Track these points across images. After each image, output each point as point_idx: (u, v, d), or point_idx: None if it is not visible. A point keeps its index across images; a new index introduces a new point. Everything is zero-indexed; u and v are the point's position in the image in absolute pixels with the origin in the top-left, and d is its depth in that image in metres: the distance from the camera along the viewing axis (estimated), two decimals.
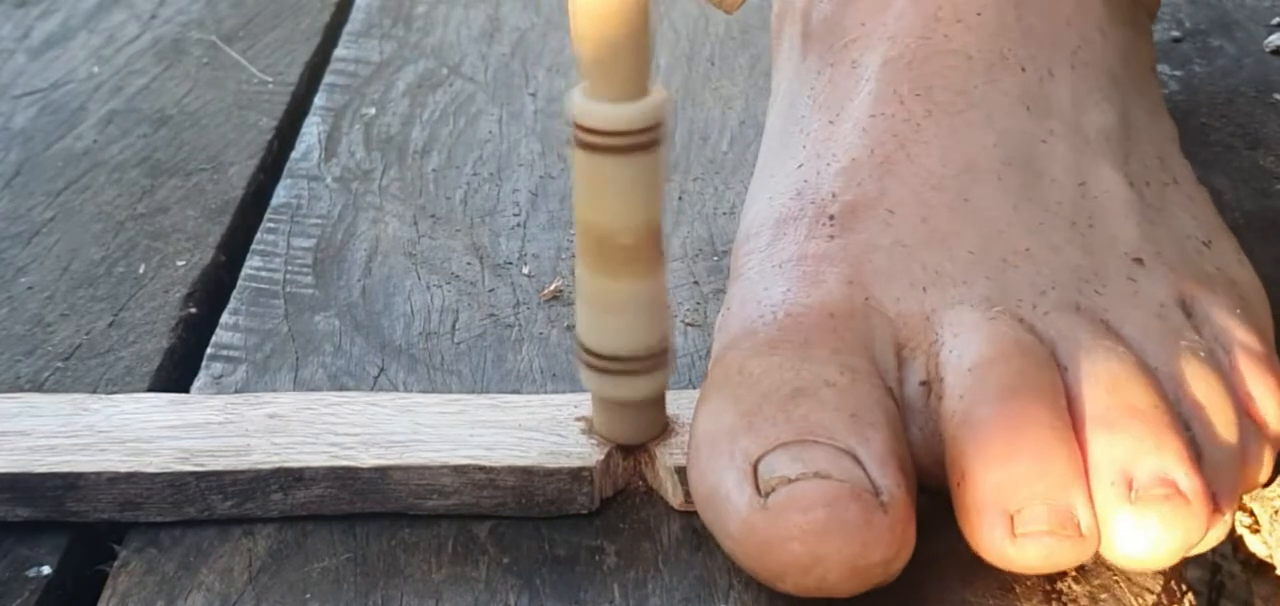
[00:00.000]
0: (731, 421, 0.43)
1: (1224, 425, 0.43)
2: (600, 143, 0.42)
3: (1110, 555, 0.42)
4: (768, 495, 0.41)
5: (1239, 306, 0.46)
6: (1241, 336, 0.45)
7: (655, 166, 0.43)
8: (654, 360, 0.45)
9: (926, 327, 0.45)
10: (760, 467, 0.42)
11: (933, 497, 0.43)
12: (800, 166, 0.49)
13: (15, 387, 0.51)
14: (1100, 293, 0.45)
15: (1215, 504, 0.42)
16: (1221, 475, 0.42)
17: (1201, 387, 0.43)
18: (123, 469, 0.45)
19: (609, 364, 0.44)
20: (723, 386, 0.44)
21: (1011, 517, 0.41)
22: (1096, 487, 0.41)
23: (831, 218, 0.47)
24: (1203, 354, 0.44)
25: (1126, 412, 0.42)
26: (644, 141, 0.42)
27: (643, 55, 0.42)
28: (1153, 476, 0.41)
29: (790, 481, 0.41)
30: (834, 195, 0.48)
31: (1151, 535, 0.41)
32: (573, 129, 0.42)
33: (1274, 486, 0.45)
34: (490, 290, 0.55)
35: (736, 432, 0.42)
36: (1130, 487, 0.41)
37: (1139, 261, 0.46)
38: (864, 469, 0.41)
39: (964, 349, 0.44)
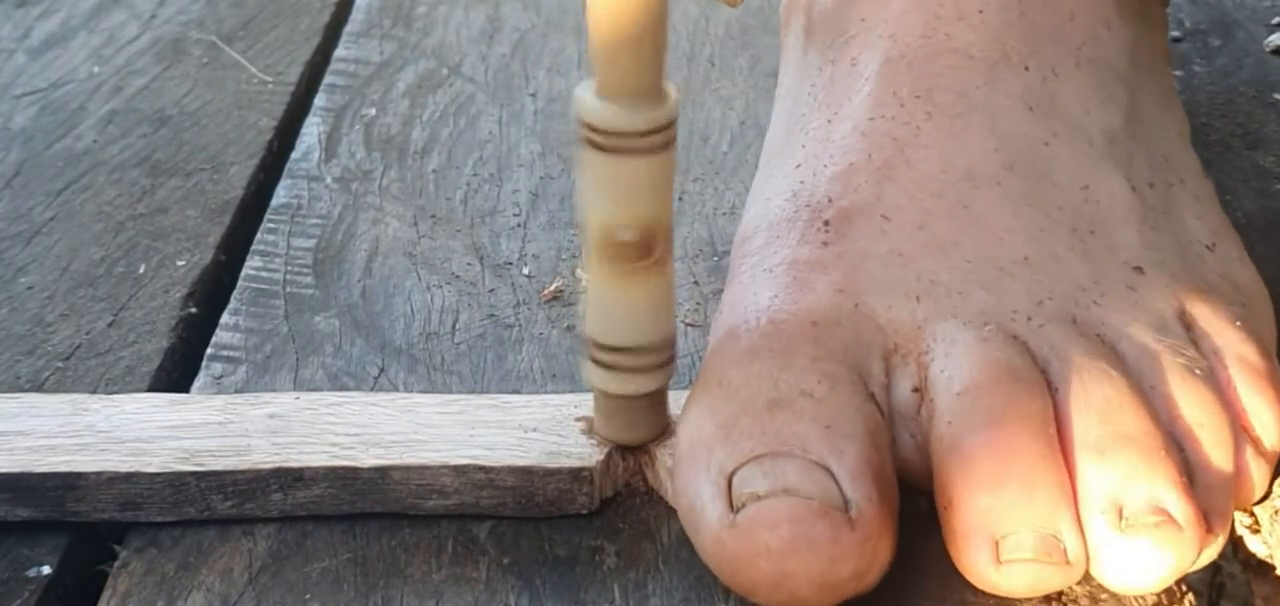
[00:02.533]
0: (709, 433, 0.43)
1: (1218, 445, 0.43)
2: (620, 144, 0.42)
3: (1101, 581, 0.42)
4: (738, 510, 0.41)
5: (1240, 316, 0.46)
6: (1240, 349, 0.45)
7: (670, 164, 0.43)
8: (661, 355, 0.44)
9: (918, 336, 0.44)
10: (734, 481, 0.42)
11: (932, 501, 0.43)
12: (798, 167, 0.49)
13: (15, 388, 0.51)
14: (1098, 304, 0.45)
15: (1208, 525, 0.42)
16: (1214, 496, 0.42)
17: (1196, 408, 0.43)
18: (123, 469, 0.45)
19: (617, 357, 0.44)
20: (703, 396, 0.44)
21: (997, 543, 0.41)
22: (1087, 515, 0.41)
23: (826, 223, 0.47)
24: (1199, 372, 0.44)
25: (1118, 440, 0.42)
26: (662, 141, 0.42)
27: (660, 55, 0.42)
28: (1144, 503, 0.41)
29: (760, 497, 0.41)
30: (830, 200, 0.47)
31: (1143, 562, 0.41)
32: (584, 129, 0.42)
33: (1274, 487, 0.45)
34: (490, 290, 0.55)
35: (713, 444, 0.42)
36: (1121, 515, 0.41)
37: (1139, 270, 0.46)
38: (836, 481, 0.41)
39: (954, 371, 0.43)
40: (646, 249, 0.43)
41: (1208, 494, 0.42)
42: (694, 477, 0.42)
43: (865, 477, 0.41)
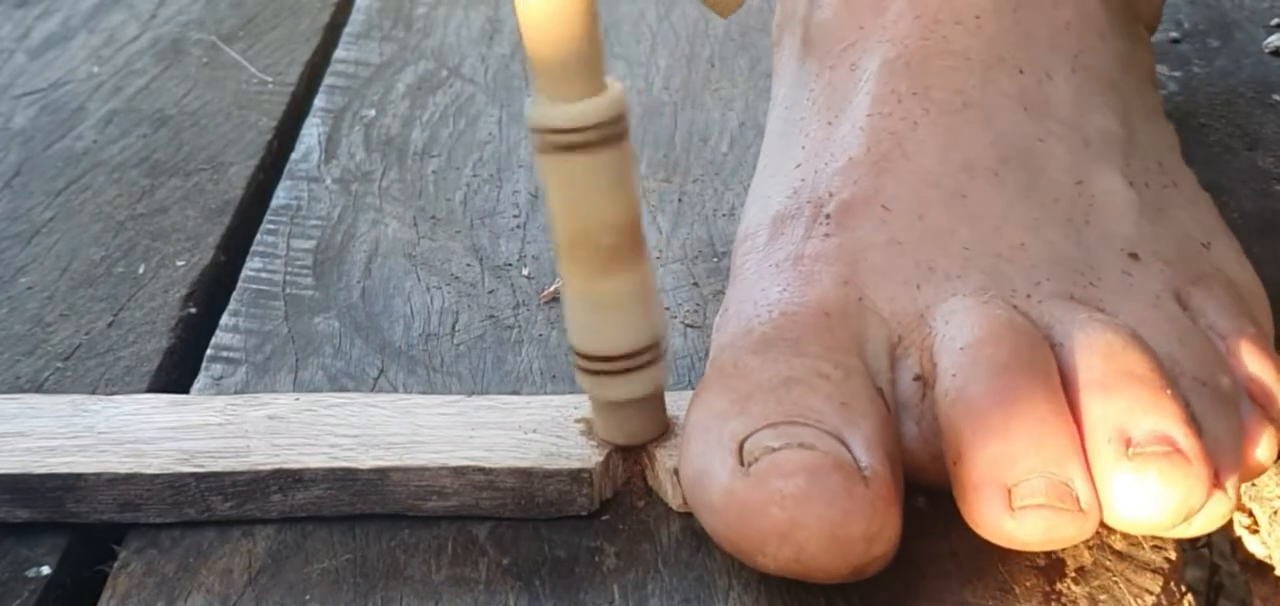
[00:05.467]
0: (723, 407, 0.43)
1: (1224, 401, 0.43)
2: (568, 141, 0.42)
3: (1110, 517, 0.41)
4: (751, 465, 0.41)
5: (1237, 303, 0.46)
6: (1239, 324, 0.45)
7: (624, 158, 0.43)
8: (648, 356, 0.44)
9: (920, 324, 0.45)
10: (747, 444, 0.42)
11: (932, 499, 0.43)
12: (798, 166, 0.50)
13: (15, 388, 0.51)
14: (1095, 285, 0.45)
15: (1217, 478, 0.41)
16: (1223, 449, 0.42)
17: (1201, 366, 0.43)
18: (122, 470, 0.45)
19: (603, 365, 0.44)
20: (717, 379, 0.44)
21: (1010, 491, 0.41)
22: (1093, 448, 0.41)
23: (828, 217, 0.47)
24: (1199, 338, 0.44)
25: (1122, 376, 0.42)
26: (611, 134, 0.42)
27: (596, 50, 0.42)
28: (1150, 434, 0.41)
29: (774, 450, 0.41)
30: (831, 194, 0.48)
31: (1151, 493, 0.41)
32: (539, 136, 0.42)
33: (1273, 486, 0.45)
34: (490, 291, 0.55)
35: (727, 417, 0.43)
36: (1128, 445, 0.41)
37: (1134, 256, 0.46)
38: (850, 449, 0.41)
39: (956, 331, 0.44)
40: (617, 245, 0.43)
41: (1217, 445, 0.42)
42: (704, 446, 0.42)
43: (878, 450, 0.41)
